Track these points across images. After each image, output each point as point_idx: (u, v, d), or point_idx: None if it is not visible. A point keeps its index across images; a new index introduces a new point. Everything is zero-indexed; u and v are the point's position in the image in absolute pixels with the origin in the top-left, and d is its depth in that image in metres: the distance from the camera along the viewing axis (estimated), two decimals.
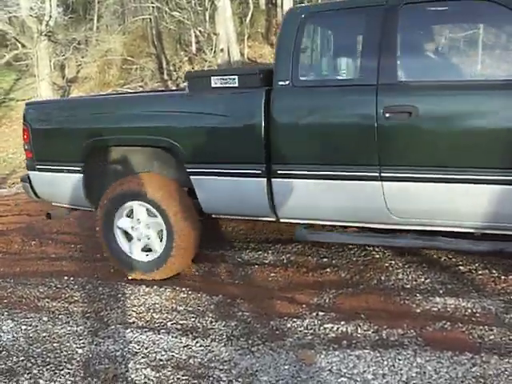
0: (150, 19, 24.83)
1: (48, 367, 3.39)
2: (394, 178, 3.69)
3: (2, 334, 3.87)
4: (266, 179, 4.03)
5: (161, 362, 3.32)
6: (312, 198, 3.98)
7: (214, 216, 4.55)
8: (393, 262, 4.40)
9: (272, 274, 4.45)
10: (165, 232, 4.41)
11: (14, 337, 3.82)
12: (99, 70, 22.38)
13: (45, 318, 4.06)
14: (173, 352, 3.42)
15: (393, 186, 3.72)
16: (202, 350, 3.41)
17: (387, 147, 3.68)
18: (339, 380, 2.98)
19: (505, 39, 4.14)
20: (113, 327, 3.83)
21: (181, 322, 3.81)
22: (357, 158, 3.79)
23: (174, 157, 4.38)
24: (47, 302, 4.35)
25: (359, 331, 3.47)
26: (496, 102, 3.48)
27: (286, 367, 3.14)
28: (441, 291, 3.90)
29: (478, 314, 3.56)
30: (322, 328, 3.55)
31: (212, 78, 4.23)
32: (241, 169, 4.10)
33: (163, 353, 3.42)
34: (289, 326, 3.61)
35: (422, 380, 2.91)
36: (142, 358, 3.39)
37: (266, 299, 4.01)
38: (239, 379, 3.08)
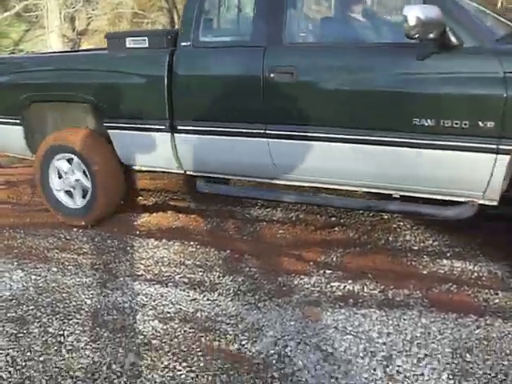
0: None
1: (57, 317, 3.44)
2: (278, 135, 3.88)
3: (12, 284, 3.92)
4: (170, 134, 4.30)
5: (168, 315, 3.36)
6: (209, 152, 4.25)
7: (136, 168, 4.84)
8: (401, 223, 4.41)
9: (280, 231, 4.46)
10: (90, 182, 4.76)
11: (23, 286, 3.87)
12: (110, 23, 22.18)
13: (54, 269, 4.10)
14: (180, 305, 3.46)
15: (277, 142, 3.90)
16: (209, 304, 3.45)
17: (271, 106, 3.86)
18: (344, 337, 3.01)
19: (384, 5, 4.38)
20: (121, 279, 3.87)
21: (188, 275, 3.84)
22: (246, 116, 3.99)
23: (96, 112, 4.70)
24: (56, 253, 4.39)
25: (365, 290, 3.50)
26: (371, 64, 3.59)
27: (292, 323, 3.18)
28: (448, 254, 3.91)
29: (484, 278, 3.58)
30: (328, 286, 3.58)
31: (126, 38, 4.52)
32: (149, 124, 4.37)
33: (171, 306, 3.46)
34: (296, 282, 3.64)
35: (426, 340, 2.94)
36: (150, 310, 3.44)
37: (274, 256, 4.04)
38: (245, 333, 3.12)
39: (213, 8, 4.50)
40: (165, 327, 3.23)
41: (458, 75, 3.30)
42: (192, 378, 2.78)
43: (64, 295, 3.71)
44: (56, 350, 3.10)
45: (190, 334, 3.14)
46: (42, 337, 3.23)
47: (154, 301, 3.54)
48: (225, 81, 4.10)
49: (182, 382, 2.77)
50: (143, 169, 4.81)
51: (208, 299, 3.51)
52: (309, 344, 2.98)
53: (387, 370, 2.73)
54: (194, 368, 2.85)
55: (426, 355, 2.82)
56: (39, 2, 19.27)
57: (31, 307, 3.58)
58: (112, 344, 3.12)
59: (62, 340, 3.19)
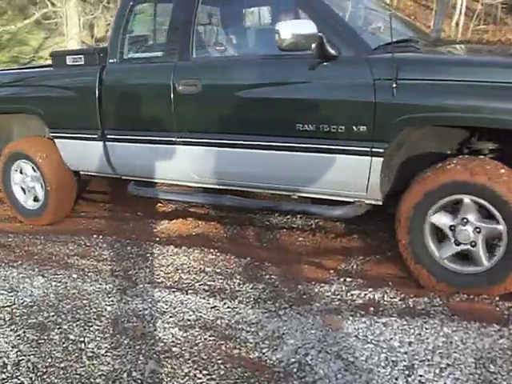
0: None
1: (78, 323, 3.45)
2: (188, 142, 4.31)
3: (33, 290, 3.94)
4: (102, 142, 4.81)
5: (188, 322, 3.36)
6: (135, 159, 4.74)
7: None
8: None
9: (300, 239, 4.45)
10: (44, 185, 5.24)
11: (44, 292, 3.89)
12: None
13: (74, 275, 4.12)
14: (200, 312, 3.46)
15: (188, 149, 4.34)
16: (229, 312, 3.44)
17: (180, 115, 4.30)
18: (365, 346, 2.98)
19: (271, 19, 4.78)
20: (141, 286, 3.88)
21: (209, 283, 3.84)
22: (161, 125, 4.44)
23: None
24: (76, 260, 4.42)
25: (386, 298, 3.46)
26: (261, 75, 3.97)
27: (313, 331, 3.16)
28: None
29: None
30: (349, 294, 3.55)
31: (66, 57, 5.05)
32: (85, 133, 4.90)
33: (191, 313, 3.46)
34: (316, 290, 3.62)
35: (448, 350, 2.90)
36: (170, 317, 3.44)
37: (294, 263, 4.02)
38: (266, 341, 3.10)
39: (135, 29, 4.93)
40: (185, 335, 3.23)
41: (334, 83, 3.65)
42: None
43: (84, 302, 3.72)
44: (77, 356, 3.11)
45: (211, 342, 3.14)
46: (63, 343, 3.24)
47: (174, 308, 3.54)
48: (144, 94, 4.57)
49: None
50: (87, 174, 5.34)
51: (228, 307, 3.50)
52: (330, 353, 2.96)
53: (409, 379, 2.70)
54: (214, 376, 2.84)
55: (448, 365, 2.78)
56: (58, 10, 19.39)
57: (52, 313, 3.59)
58: (132, 351, 3.12)
59: (83, 347, 3.19)
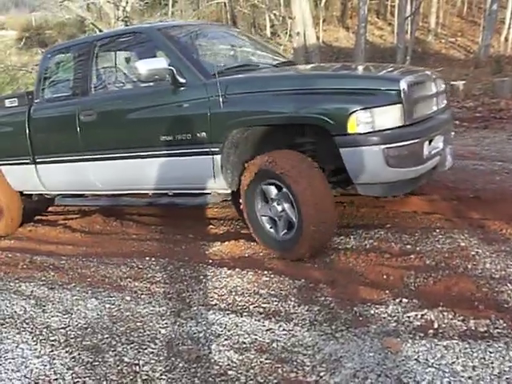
0: (225, 3, 25.06)
1: (132, 346, 3.45)
2: (91, 158, 5.56)
3: (87, 312, 3.97)
4: (34, 166, 6.11)
5: (244, 345, 3.32)
6: (58, 175, 5.99)
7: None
8: (480, 250, 4.22)
9: (354, 259, 4.35)
10: None
11: (98, 315, 3.92)
12: None
13: (128, 298, 4.13)
14: (256, 335, 3.41)
15: (92, 164, 5.58)
16: (285, 334, 3.38)
17: (84, 138, 5.55)
18: (427, 370, 2.89)
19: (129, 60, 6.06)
20: (195, 308, 3.86)
21: (263, 305, 3.79)
22: (73, 147, 5.65)
23: None
24: (129, 282, 4.44)
25: (445, 320, 3.35)
26: (138, 102, 5.20)
27: (371, 354, 3.08)
28: None
29: None
30: (405, 315, 3.45)
31: (5, 100, 6.48)
32: (22, 159, 6.19)
33: (246, 336, 3.42)
34: (372, 312, 3.54)
35: None
36: (225, 340, 3.40)
37: (349, 284, 3.93)
38: (323, 365, 3.04)
39: (52, 76, 6.27)
40: (240, 358, 3.19)
41: (183, 103, 4.81)
42: None
43: (138, 324, 3.72)
44: (131, 379, 3.10)
45: (267, 365, 3.09)
46: (118, 366, 3.25)
47: (228, 330, 3.50)
48: (59, 124, 5.87)
49: None
50: (28, 193, 6.60)
51: (284, 329, 3.45)
52: (390, 376, 2.87)
53: None
54: None
55: None
56: None
57: (106, 336, 3.61)
58: (187, 374, 3.09)
59: (138, 369, 3.19)
